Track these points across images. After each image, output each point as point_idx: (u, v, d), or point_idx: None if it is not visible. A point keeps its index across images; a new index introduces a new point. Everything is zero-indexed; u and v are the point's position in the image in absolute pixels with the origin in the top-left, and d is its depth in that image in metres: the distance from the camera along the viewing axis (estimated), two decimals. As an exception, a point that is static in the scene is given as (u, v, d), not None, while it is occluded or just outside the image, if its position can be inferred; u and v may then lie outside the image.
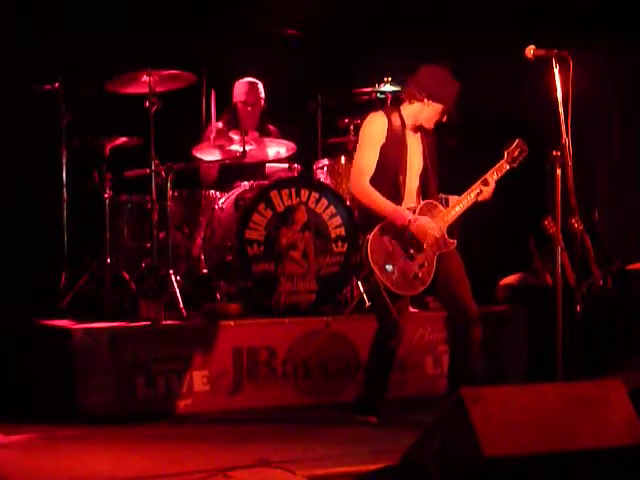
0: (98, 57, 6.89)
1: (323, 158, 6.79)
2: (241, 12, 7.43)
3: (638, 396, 3.78)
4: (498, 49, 7.13)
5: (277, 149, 6.62)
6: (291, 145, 6.63)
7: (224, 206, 6.42)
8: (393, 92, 6.71)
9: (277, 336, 5.87)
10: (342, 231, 6.23)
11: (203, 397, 5.67)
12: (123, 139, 6.44)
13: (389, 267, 5.04)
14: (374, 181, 5.09)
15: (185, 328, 5.79)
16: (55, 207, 6.52)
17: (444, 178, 5.57)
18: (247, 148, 6.36)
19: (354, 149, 6.83)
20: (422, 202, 5.16)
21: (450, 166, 5.85)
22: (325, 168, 6.68)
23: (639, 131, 7.65)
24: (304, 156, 6.85)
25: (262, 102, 7.06)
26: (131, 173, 6.44)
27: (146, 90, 6.22)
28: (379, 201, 5.05)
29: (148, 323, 5.77)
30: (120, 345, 5.53)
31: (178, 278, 6.11)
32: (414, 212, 5.10)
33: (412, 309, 6.29)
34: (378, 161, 5.11)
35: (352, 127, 6.78)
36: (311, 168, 6.79)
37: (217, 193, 6.63)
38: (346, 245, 6.23)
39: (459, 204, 5.17)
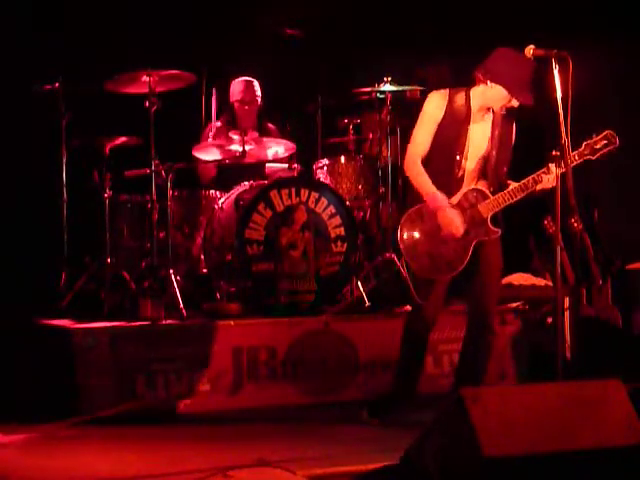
0: (98, 57, 6.89)
1: (323, 158, 6.79)
2: (241, 12, 7.43)
3: (638, 396, 3.78)
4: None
5: (276, 149, 6.62)
6: (290, 145, 6.63)
7: (224, 206, 6.42)
8: (393, 92, 6.71)
9: (277, 336, 5.87)
10: (342, 231, 6.23)
11: (203, 397, 5.67)
12: (123, 139, 6.44)
13: (416, 250, 4.95)
14: (430, 159, 5.03)
15: (185, 328, 5.79)
16: (55, 207, 6.52)
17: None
18: (247, 148, 6.37)
19: (354, 149, 6.86)
20: (468, 188, 5.04)
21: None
22: (325, 168, 6.68)
23: (639, 131, 7.65)
24: (304, 156, 6.85)
25: (259, 100, 7.06)
26: (131, 173, 6.44)
27: (146, 90, 6.21)
28: (422, 181, 4.97)
29: (148, 323, 5.77)
30: (120, 345, 5.53)
31: (178, 278, 6.11)
32: (457, 197, 4.99)
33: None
34: (436, 139, 5.01)
35: (352, 127, 6.78)
36: (311, 168, 6.79)
37: (217, 193, 6.63)
38: (346, 245, 6.23)
39: (509, 194, 4.99)
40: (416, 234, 5.00)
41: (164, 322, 5.79)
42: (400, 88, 6.67)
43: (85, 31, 6.98)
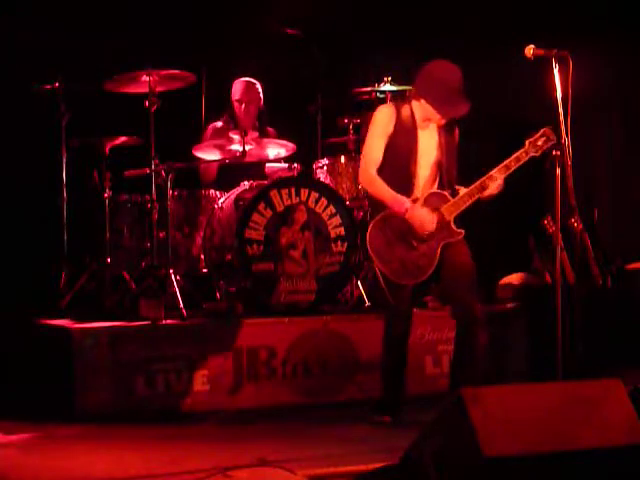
0: (98, 57, 6.89)
1: (323, 158, 6.80)
2: (241, 12, 7.43)
3: (638, 396, 3.78)
4: (498, 49, 7.13)
5: (277, 149, 6.62)
6: (291, 146, 6.63)
7: (224, 206, 6.42)
8: (393, 92, 6.71)
9: (277, 336, 5.87)
10: (342, 231, 6.22)
11: (203, 397, 5.67)
12: (123, 138, 6.44)
13: (388, 256, 5.07)
14: (385, 170, 5.16)
15: (185, 328, 5.79)
16: (55, 207, 6.52)
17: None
18: (247, 148, 6.37)
19: (354, 149, 6.86)
20: (428, 192, 5.17)
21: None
22: (325, 168, 6.68)
23: (639, 131, 7.66)
24: (304, 156, 6.85)
25: (259, 102, 7.06)
26: (131, 173, 6.44)
27: (146, 90, 6.22)
28: (381, 189, 5.12)
29: (148, 323, 5.77)
30: (120, 345, 5.53)
31: (178, 278, 6.11)
32: (420, 202, 5.11)
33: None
34: (388, 151, 5.18)
35: (352, 127, 6.78)
36: (311, 168, 6.79)
37: (217, 193, 6.63)
38: (346, 245, 6.23)
39: (465, 197, 5.13)
40: (384, 241, 5.10)
41: (164, 322, 5.79)
42: (400, 88, 6.68)
43: (85, 31, 6.98)
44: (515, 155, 5.12)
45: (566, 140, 4.72)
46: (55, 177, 6.52)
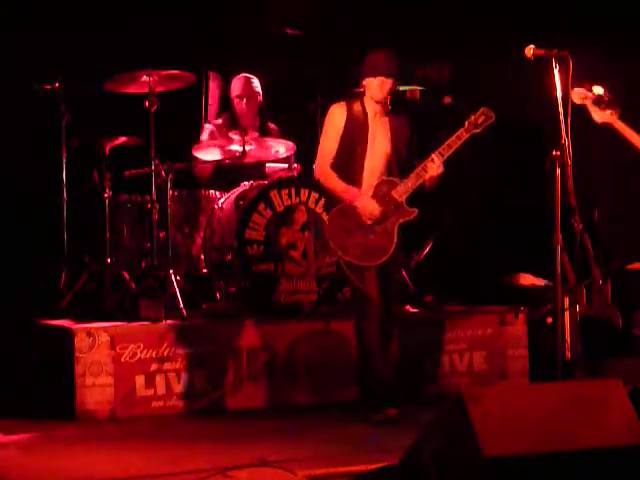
0: (98, 57, 6.88)
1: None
2: (241, 12, 7.43)
3: (638, 396, 3.78)
4: (498, 49, 7.13)
5: (277, 149, 6.62)
6: (291, 144, 6.63)
7: (224, 206, 6.42)
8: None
9: (277, 336, 5.87)
10: (342, 231, 6.21)
11: (203, 397, 5.67)
12: (123, 139, 6.44)
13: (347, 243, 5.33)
14: (338, 165, 5.45)
15: (185, 328, 5.79)
16: (55, 207, 6.52)
17: (444, 178, 5.59)
18: (247, 148, 6.37)
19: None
20: (377, 181, 5.41)
21: (450, 167, 5.86)
22: (325, 168, 6.67)
23: (639, 131, 7.65)
24: (304, 156, 6.85)
25: (259, 98, 7.06)
26: (131, 173, 6.44)
27: (146, 90, 6.22)
28: (334, 182, 5.43)
29: (148, 323, 5.77)
30: (120, 345, 5.54)
31: (178, 278, 6.11)
32: (370, 190, 5.38)
33: (411, 309, 6.31)
34: (342, 146, 5.46)
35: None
36: (311, 168, 6.78)
37: (217, 193, 6.63)
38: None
39: (412, 178, 5.38)
40: (343, 230, 5.35)
41: (164, 322, 5.79)
42: (400, 88, 6.67)
43: (85, 31, 6.98)
44: (456, 134, 5.38)
45: (566, 140, 4.72)
46: (55, 177, 6.52)
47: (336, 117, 5.52)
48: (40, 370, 5.85)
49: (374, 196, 5.36)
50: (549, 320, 6.41)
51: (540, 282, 6.95)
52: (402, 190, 5.37)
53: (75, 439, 5.04)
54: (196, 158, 6.65)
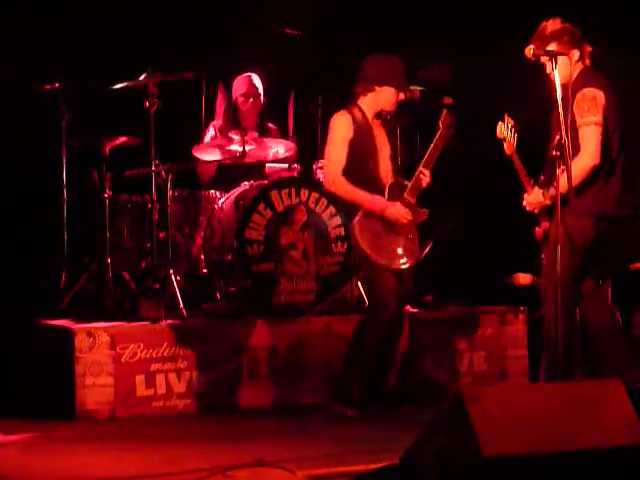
0: (98, 57, 6.88)
1: (323, 158, 6.78)
2: (241, 12, 7.43)
3: (638, 396, 3.78)
4: (498, 49, 7.12)
5: (276, 149, 6.62)
6: (291, 145, 6.63)
7: (224, 206, 6.42)
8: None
9: (277, 336, 5.87)
10: (342, 231, 6.21)
11: (203, 397, 5.67)
12: (123, 139, 6.44)
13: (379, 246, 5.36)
14: (351, 173, 5.42)
15: (185, 328, 5.79)
16: (55, 207, 6.52)
17: (446, 179, 5.61)
18: (247, 148, 6.37)
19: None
20: (388, 185, 5.47)
21: (450, 167, 5.86)
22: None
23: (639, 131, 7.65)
24: (304, 156, 6.85)
25: (261, 96, 7.06)
26: (131, 173, 6.44)
27: (146, 90, 6.22)
28: (353, 192, 5.41)
29: (148, 323, 5.77)
30: (120, 345, 5.54)
31: (178, 278, 6.11)
32: (387, 195, 5.44)
33: (411, 309, 6.31)
34: (351, 155, 5.44)
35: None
36: (311, 168, 6.78)
37: (217, 193, 6.63)
38: (346, 245, 6.22)
39: (418, 179, 5.46)
40: (373, 234, 5.38)
41: (164, 322, 5.79)
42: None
43: (85, 31, 6.98)
44: (434, 144, 5.49)
45: (566, 140, 4.72)
46: (55, 177, 6.52)
47: (343, 126, 5.48)
48: (40, 370, 5.85)
49: (389, 199, 5.42)
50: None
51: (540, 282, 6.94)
52: (413, 191, 5.43)
53: (75, 439, 5.04)
54: (196, 158, 6.65)
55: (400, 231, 5.42)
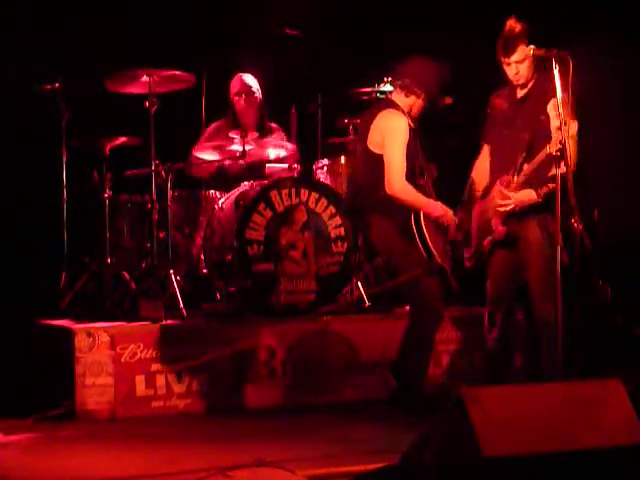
0: (98, 57, 6.89)
1: (323, 158, 6.79)
2: (241, 12, 7.43)
3: (638, 396, 3.78)
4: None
5: (277, 151, 6.63)
6: (291, 146, 6.63)
7: (224, 206, 6.42)
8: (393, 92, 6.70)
9: (277, 336, 5.87)
10: (342, 231, 6.22)
11: (203, 397, 5.67)
12: (123, 139, 6.44)
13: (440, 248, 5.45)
14: (407, 178, 5.43)
15: (185, 328, 5.79)
16: (55, 207, 6.52)
17: (447, 179, 5.62)
18: (247, 148, 6.37)
19: (354, 149, 6.85)
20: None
21: (450, 167, 5.87)
22: (325, 168, 6.68)
23: (639, 131, 7.65)
24: (304, 156, 6.85)
25: (258, 95, 7.06)
26: (131, 173, 6.44)
27: (146, 90, 6.22)
28: (415, 196, 5.41)
29: (148, 323, 5.77)
30: (120, 345, 5.54)
31: (178, 278, 6.11)
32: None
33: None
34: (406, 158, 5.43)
35: (352, 127, 6.78)
36: (311, 168, 6.79)
37: (217, 193, 6.63)
38: (346, 245, 6.23)
39: None
40: (431, 233, 5.40)
41: (164, 322, 5.80)
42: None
43: (85, 31, 6.98)
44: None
45: (566, 140, 4.72)
46: (55, 177, 6.52)
47: (405, 130, 5.41)
48: (40, 370, 5.85)
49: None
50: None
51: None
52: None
53: (75, 439, 5.04)
54: (196, 158, 6.65)
55: (445, 234, 5.49)
